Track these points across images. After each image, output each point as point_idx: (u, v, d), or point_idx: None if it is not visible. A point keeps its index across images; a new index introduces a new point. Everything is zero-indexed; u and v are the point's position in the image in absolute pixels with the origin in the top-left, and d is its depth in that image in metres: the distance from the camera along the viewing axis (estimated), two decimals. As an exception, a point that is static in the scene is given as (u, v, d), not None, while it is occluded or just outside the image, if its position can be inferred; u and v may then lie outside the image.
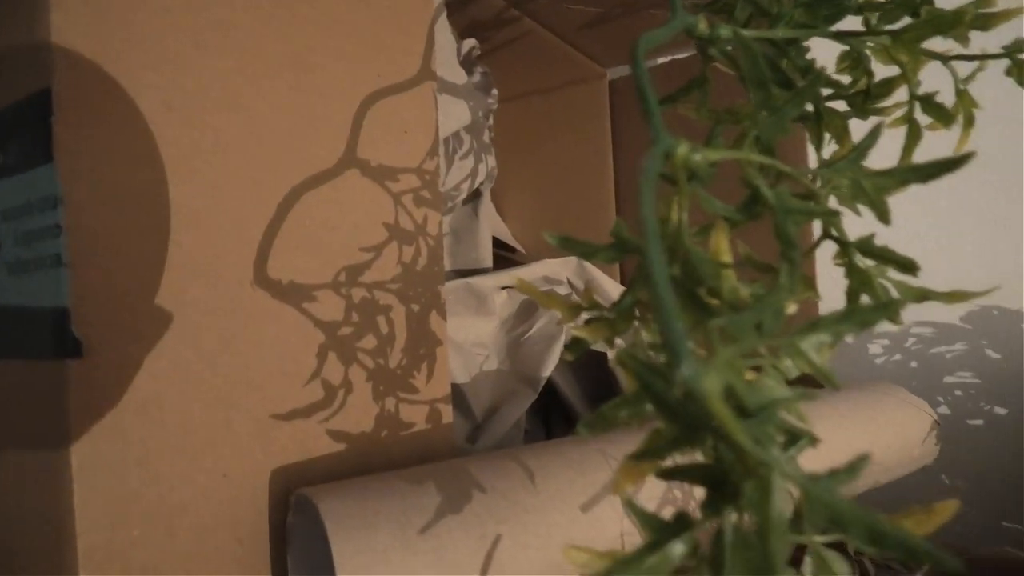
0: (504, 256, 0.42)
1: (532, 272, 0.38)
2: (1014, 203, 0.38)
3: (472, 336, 0.36)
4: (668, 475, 0.11)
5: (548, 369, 0.36)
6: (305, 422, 0.21)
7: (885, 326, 0.41)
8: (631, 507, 0.12)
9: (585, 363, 0.40)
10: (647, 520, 0.11)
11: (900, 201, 0.17)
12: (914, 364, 0.39)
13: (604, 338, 0.17)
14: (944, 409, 0.38)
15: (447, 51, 0.31)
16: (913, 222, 0.41)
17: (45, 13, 0.17)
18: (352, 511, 0.18)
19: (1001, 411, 0.37)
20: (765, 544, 0.10)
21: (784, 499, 0.11)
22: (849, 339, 0.41)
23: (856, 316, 0.13)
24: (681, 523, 0.12)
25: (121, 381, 0.18)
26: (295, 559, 0.20)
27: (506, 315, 0.38)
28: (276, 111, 0.21)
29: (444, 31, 0.31)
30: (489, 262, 0.38)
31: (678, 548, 0.12)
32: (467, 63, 0.33)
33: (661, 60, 0.40)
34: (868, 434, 0.28)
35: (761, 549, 0.10)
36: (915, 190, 0.16)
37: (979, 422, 0.37)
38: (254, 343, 0.20)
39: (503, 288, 0.37)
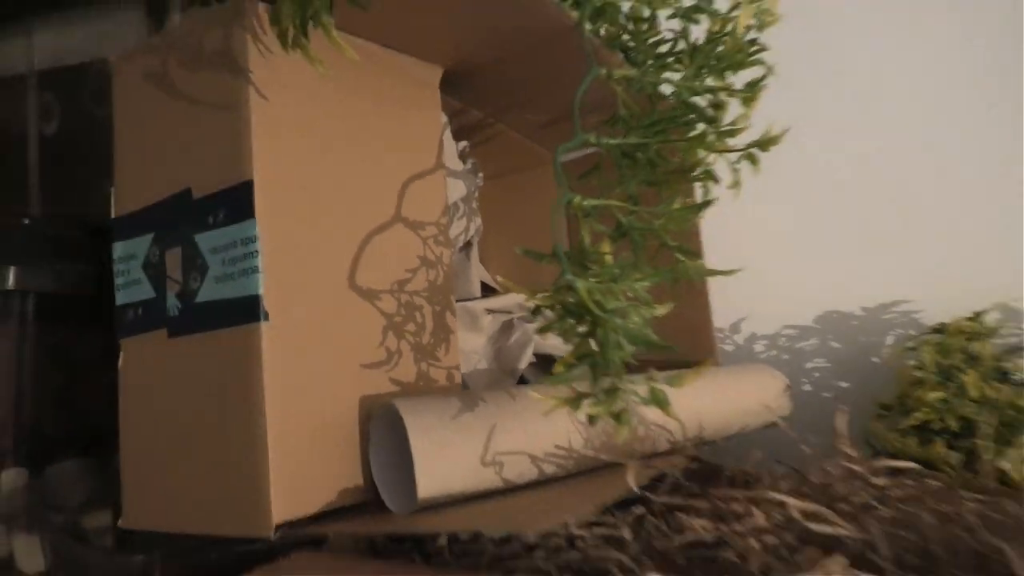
0: (486, 289, 0.57)
1: (508, 299, 0.53)
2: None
3: (468, 346, 0.51)
4: (566, 334, 0.26)
5: (523, 365, 0.50)
6: (377, 372, 0.36)
7: (764, 328, 0.56)
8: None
9: (543, 365, 0.55)
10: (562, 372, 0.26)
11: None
12: (785, 357, 0.54)
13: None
14: (807, 387, 0.53)
15: (450, 149, 0.47)
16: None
17: (247, 134, 0.32)
18: (411, 406, 0.32)
19: (845, 384, 0.52)
20: (605, 354, 0.25)
21: (615, 340, 0.26)
22: (739, 340, 0.56)
23: (663, 273, 0.28)
24: (583, 357, 0.26)
25: (286, 338, 0.32)
26: (373, 447, 0.34)
27: (491, 332, 0.53)
28: (364, 186, 0.36)
29: (448, 137, 0.46)
30: (478, 293, 0.53)
31: (579, 372, 0.26)
32: (462, 156, 0.49)
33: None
34: (736, 384, 0.43)
35: (604, 359, 0.25)
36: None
37: (830, 394, 0.52)
38: (351, 324, 0.35)
39: (488, 311, 0.52)
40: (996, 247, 0.48)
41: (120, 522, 0.36)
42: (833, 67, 0.55)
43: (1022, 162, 0.50)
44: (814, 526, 0.25)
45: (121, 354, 0.37)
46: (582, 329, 0.26)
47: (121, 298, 0.37)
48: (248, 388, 0.31)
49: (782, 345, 0.54)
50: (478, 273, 0.54)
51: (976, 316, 0.45)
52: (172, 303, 0.35)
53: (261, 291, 0.31)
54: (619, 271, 0.27)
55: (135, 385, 0.36)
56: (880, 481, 0.30)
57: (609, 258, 0.29)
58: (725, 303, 0.54)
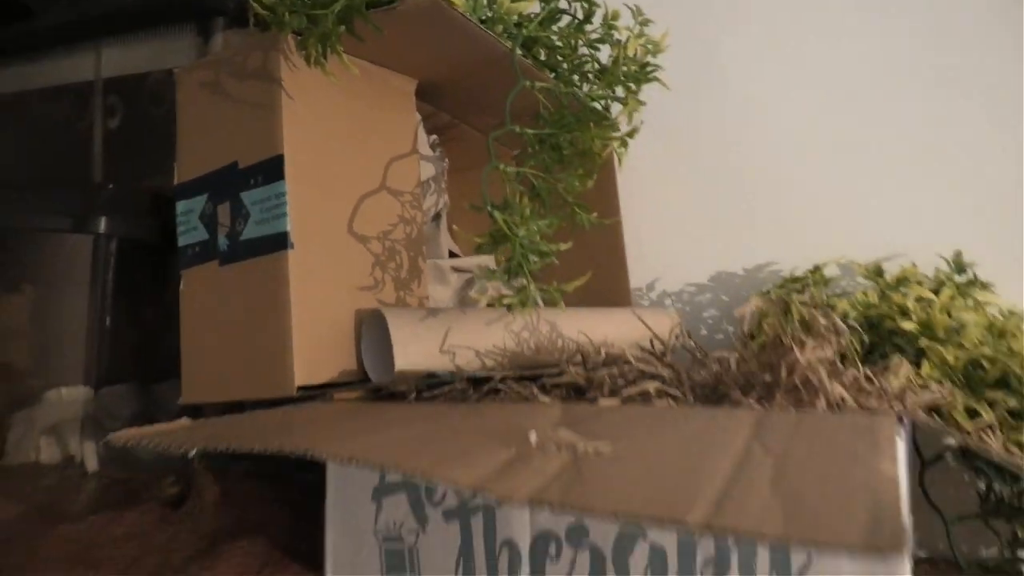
0: (453, 255, 0.72)
1: (470, 261, 0.67)
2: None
3: (438, 296, 0.65)
4: (492, 249, 0.41)
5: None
6: (368, 294, 0.50)
7: (671, 286, 0.71)
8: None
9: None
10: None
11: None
12: (688, 308, 0.69)
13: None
14: (704, 331, 0.68)
15: (422, 140, 0.61)
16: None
17: (279, 123, 0.46)
18: (392, 311, 0.47)
19: (731, 328, 0.67)
20: (517, 263, 0.40)
21: (523, 253, 0.40)
22: (653, 296, 0.71)
23: (559, 217, 0.43)
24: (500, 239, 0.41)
25: (305, 263, 0.46)
26: (364, 342, 0.48)
27: (457, 286, 0.67)
28: (359, 162, 0.51)
29: (421, 131, 0.61)
30: (447, 256, 0.68)
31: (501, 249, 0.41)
32: (432, 146, 0.64)
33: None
34: (634, 317, 0.58)
35: (516, 266, 0.40)
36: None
37: (721, 336, 0.67)
38: (350, 258, 0.49)
39: (455, 270, 0.67)
40: (838, 216, 0.64)
41: (180, 399, 0.50)
42: (718, 78, 0.70)
43: (870, 146, 0.65)
44: (646, 368, 0.40)
45: (182, 282, 0.51)
46: (502, 247, 0.41)
47: (183, 241, 0.51)
48: (279, 296, 0.45)
49: (685, 299, 0.68)
50: (446, 241, 0.68)
51: (816, 269, 0.60)
52: (222, 242, 0.49)
53: (288, 228, 0.45)
54: (528, 213, 0.42)
55: (193, 303, 0.51)
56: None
57: (526, 208, 0.43)
58: (642, 266, 0.69)
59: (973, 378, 0.45)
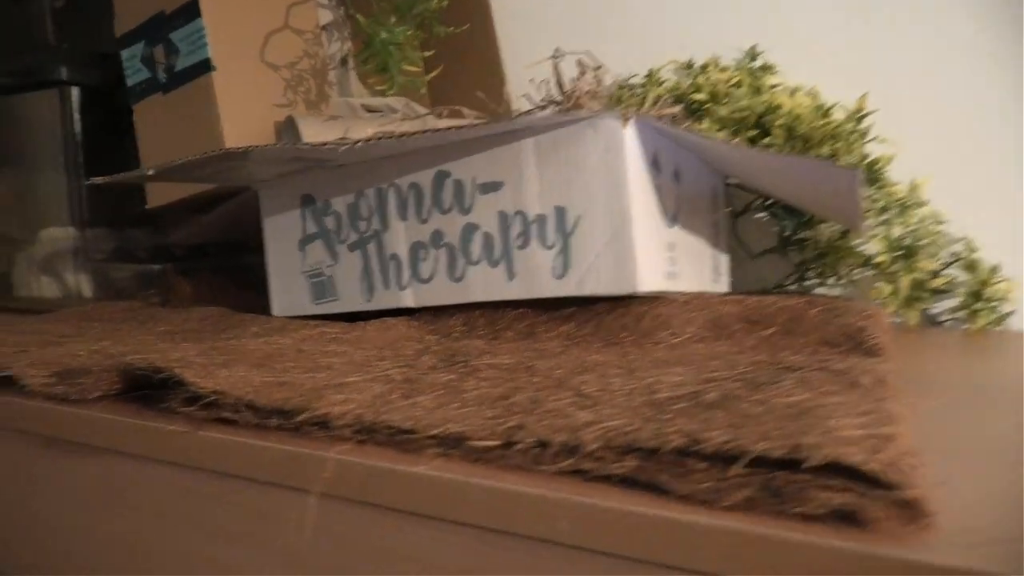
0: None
1: (380, 101, 0.80)
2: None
3: (351, 134, 0.79)
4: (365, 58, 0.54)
5: (388, 136, 0.79)
6: (283, 111, 0.64)
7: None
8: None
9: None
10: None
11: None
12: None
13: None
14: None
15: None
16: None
17: (193, -24, 0.59)
18: (300, 116, 0.61)
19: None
20: (380, 55, 0.53)
21: (384, 47, 0.54)
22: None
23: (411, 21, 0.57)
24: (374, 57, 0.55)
25: (230, 83, 0.59)
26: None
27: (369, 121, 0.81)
28: (267, 10, 0.63)
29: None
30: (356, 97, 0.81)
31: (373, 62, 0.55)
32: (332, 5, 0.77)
33: None
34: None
35: (382, 59, 0.54)
36: None
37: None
38: (266, 79, 0.62)
39: (365, 108, 0.80)
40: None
41: (147, 205, 0.64)
42: None
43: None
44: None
45: (135, 115, 0.64)
46: (369, 48, 0.55)
47: (130, 81, 0.64)
48: (211, 110, 0.59)
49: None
50: (356, 85, 0.81)
51: (650, 73, 0.74)
52: (161, 76, 0.62)
53: (210, 54, 0.59)
54: (392, 21, 0.56)
55: (146, 129, 0.64)
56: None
57: (391, 17, 0.57)
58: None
59: (738, 124, 0.60)
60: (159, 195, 0.64)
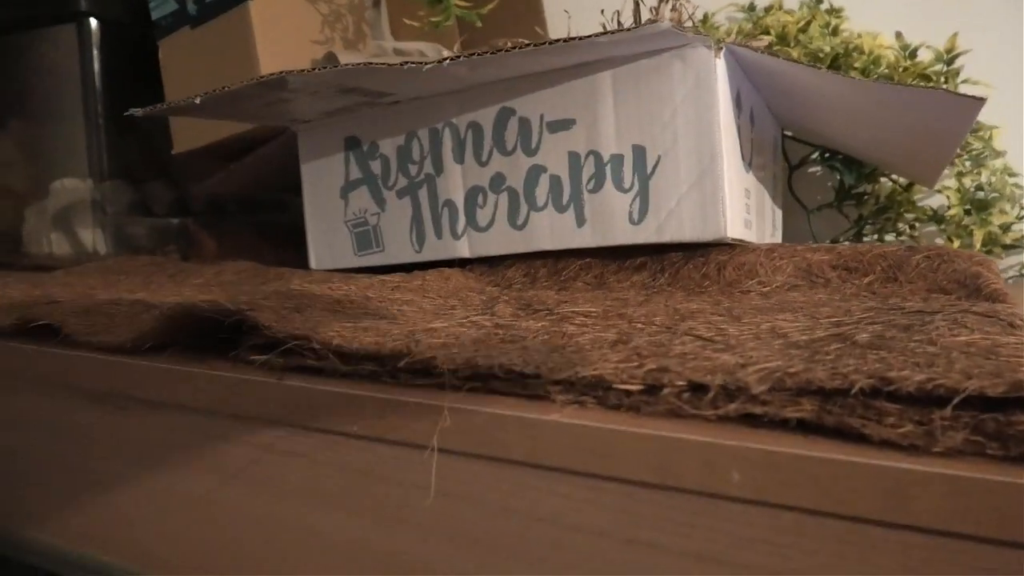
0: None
1: (412, 45, 0.76)
2: None
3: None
4: None
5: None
6: (321, 48, 0.59)
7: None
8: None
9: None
10: None
11: None
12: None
13: None
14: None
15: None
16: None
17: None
18: (341, 52, 0.56)
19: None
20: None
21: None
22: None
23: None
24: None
25: (267, 15, 0.55)
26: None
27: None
28: None
29: None
30: (389, 39, 0.76)
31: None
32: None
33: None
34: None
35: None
36: None
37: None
38: (303, 14, 0.58)
39: (396, 51, 0.76)
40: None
41: (173, 151, 0.60)
42: None
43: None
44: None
45: (160, 52, 0.60)
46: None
47: (156, 15, 0.59)
48: (247, 44, 0.55)
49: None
50: (386, 25, 0.77)
51: (705, 17, 0.70)
52: (191, 7, 0.57)
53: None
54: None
55: (172, 69, 0.60)
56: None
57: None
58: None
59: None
60: (187, 138, 0.60)
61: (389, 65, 0.39)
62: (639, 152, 0.44)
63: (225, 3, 0.54)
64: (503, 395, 0.26)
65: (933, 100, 0.37)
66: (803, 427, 0.21)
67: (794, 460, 0.20)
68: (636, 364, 0.25)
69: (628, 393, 0.24)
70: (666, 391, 0.23)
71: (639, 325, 0.33)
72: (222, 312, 0.31)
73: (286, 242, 0.65)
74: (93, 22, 0.60)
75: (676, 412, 0.23)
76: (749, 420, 0.22)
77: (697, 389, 0.23)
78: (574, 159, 0.46)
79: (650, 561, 0.22)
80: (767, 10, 0.64)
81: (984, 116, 0.62)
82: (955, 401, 0.20)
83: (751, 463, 0.21)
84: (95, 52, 0.61)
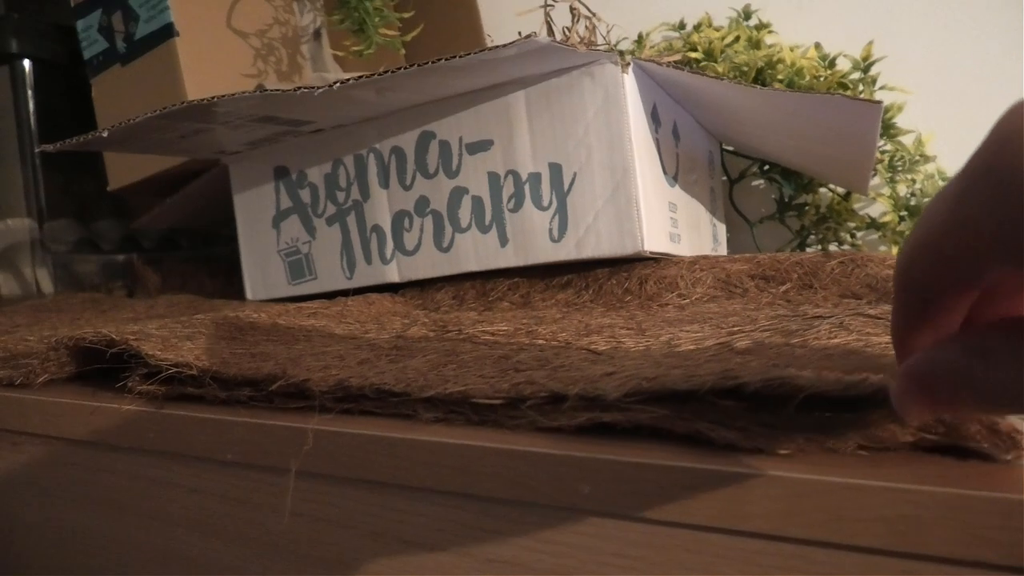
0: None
1: (355, 75, 0.76)
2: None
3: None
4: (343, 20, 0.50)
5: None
6: (253, 81, 0.59)
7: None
8: None
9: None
10: None
11: None
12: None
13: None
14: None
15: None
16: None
17: (149, -64, 0.54)
18: (270, 85, 0.56)
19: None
20: (363, 23, 0.50)
21: (366, 15, 0.50)
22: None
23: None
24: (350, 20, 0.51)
25: (195, 50, 0.55)
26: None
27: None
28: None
29: None
30: (331, 69, 0.77)
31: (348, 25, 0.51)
32: None
33: None
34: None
35: (363, 24, 0.50)
36: None
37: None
38: (233, 48, 0.58)
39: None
40: None
41: (108, 188, 0.60)
42: None
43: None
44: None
45: (93, 90, 0.60)
46: (345, 7, 0.51)
47: (88, 54, 0.59)
48: (175, 79, 0.55)
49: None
50: (329, 59, 0.77)
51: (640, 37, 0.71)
52: (120, 46, 0.57)
53: (172, 19, 0.54)
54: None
55: (106, 105, 0.60)
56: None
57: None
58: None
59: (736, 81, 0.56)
60: (121, 175, 0.59)
61: (283, 91, 0.40)
62: (555, 169, 0.44)
63: (152, 40, 0.55)
64: (375, 416, 0.25)
65: (832, 106, 0.38)
66: (658, 434, 0.21)
67: (637, 469, 0.20)
68: (506, 378, 0.25)
69: (492, 408, 0.23)
70: (528, 403, 0.23)
71: (540, 342, 0.32)
72: (107, 343, 0.30)
73: (230, 275, 0.64)
74: (26, 63, 0.60)
75: (536, 425, 0.22)
76: (606, 431, 0.22)
77: (558, 400, 0.23)
78: (494, 179, 0.46)
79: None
80: (696, 27, 0.64)
81: (915, 122, 0.63)
82: (796, 401, 0.19)
83: (599, 474, 0.20)
84: (29, 92, 0.61)
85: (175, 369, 0.28)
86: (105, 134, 0.41)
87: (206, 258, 0.68)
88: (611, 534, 0.20)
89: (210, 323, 0.36)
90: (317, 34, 0.76)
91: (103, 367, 0.32)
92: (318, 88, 0.39)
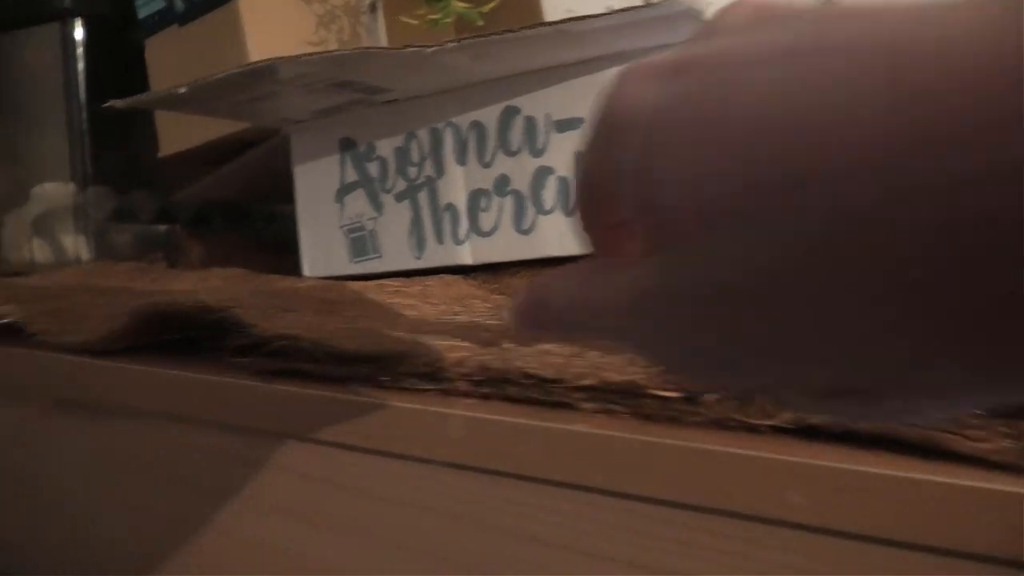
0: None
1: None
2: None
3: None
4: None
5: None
6: (314, 49, 0.57)
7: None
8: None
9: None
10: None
11: None
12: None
13: None
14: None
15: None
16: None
17: None
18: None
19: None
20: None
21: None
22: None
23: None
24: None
25: (258, 13, 0.52)
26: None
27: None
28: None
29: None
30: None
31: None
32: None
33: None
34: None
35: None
36: None
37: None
38: (296, 14, 0.55)
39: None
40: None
41: (159, 153, 0.57)
42: None
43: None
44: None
45: (147, 51, 0.57)
46: None
47: (143, 12, 0.57)
48: (236, 43, 0.52)
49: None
50: (383, 31, 0.74)
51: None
52: (179, 5, 0.55)
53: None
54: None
55: (159, 67, 0.57)
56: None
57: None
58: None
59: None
60: (174, 140, 0.57)
61: (387, 50, 0.37)
62: (654, 151, 0.41)
63: (213, 0, 0.52)
64: (519, 403, 0.23)
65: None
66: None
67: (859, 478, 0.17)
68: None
69: (667, 400, 0.21)
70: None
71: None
72: (204, 310, 0.28)
73: (277, 252, 0.61)
74: (77, 21, 0.58)
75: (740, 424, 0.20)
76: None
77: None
78: (584, 159, 0.43)
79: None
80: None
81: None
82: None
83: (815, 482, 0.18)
84: (79, 52, 0.58)
85: (283, 341, 0.26)
86: (183, 90, 0.38)
87: (251, 233, 0.66)
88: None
89: (299, 294, 0.33)
90: (373, 7, 0.73)
91: (168, 338, 0.30)
92: (429, 47, 0.36)
